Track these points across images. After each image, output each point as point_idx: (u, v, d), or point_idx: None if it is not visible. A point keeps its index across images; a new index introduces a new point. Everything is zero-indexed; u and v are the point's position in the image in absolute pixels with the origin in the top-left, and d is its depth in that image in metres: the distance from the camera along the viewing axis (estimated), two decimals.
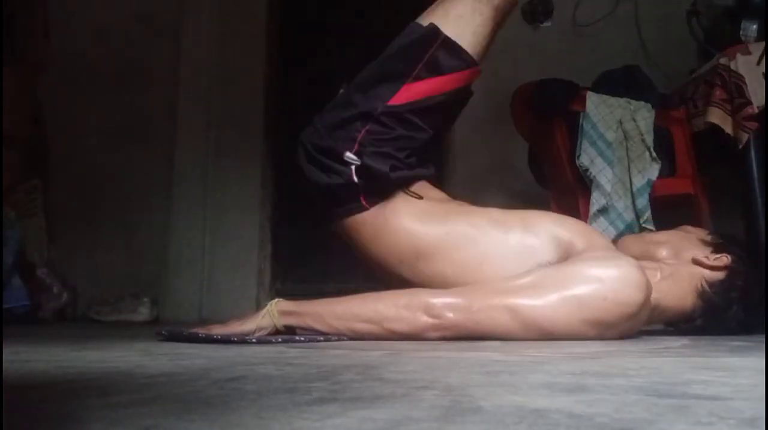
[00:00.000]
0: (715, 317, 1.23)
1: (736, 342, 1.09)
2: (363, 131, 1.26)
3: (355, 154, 1.25)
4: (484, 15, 1.35)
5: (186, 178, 2.99)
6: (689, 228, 1.33)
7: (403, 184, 1.29)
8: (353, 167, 1.25)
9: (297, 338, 1.12)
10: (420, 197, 1.29)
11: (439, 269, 1.22)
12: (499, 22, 1.39)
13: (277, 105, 3.18)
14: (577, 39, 2.96)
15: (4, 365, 0.68)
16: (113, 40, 3.15)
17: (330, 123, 1.30)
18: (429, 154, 1.39)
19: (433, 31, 1.31)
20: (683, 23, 2.39)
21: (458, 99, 1.37)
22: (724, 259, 1.22)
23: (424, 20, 1.35)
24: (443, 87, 1.31)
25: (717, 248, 1.24)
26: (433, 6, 1.39)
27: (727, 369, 0.68)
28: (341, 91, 1.38)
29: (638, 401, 0.44)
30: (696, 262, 1.23)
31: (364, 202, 1.28)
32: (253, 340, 1.08)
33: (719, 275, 1.22)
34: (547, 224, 1.26)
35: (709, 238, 1.27)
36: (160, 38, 3.14)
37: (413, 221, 1.27)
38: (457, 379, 0.59)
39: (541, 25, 3.02)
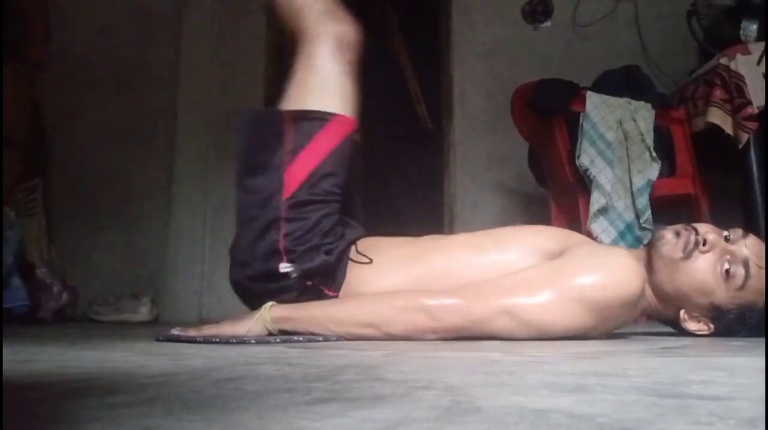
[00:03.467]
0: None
1: (736, 342, 1.09)
2: (281, 238, 1.21)
3: (288, 264, 1.20)
4: (337, 74, 1.28)
5: (186, 178, 2.99)
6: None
7: (345, 257, 1.27)
8: (295, 277, 1.21)
9: (296, 338, 1.11)
10: (370, 261, 1.26)
11: None
12: (356, 65, 1.32)
13: (277, 105, 3.18)
14: (577, 39, 2.96)
15: (4, 365, 0.68)
16: (113, 40, 3.16)
17: (245, 247, 1.25)
18: (350, 212, 1.35)
19: (275, 113, 1.27)
20: (683, 23, 2.39)
21: (346, 156, 1.29)
22: (706, 329, 1.18)
23: (286, 103, 1.29)
24: (322, 150, 1.25)
25: (714, 317, 1.17)
26: (289, 86, 1.31)
27: (727, 369, 0.68)
28: (237, 204, 1.30)
29: (638, 401, 0.44)
30: (682, 319, 1.19)
31: (330, 293, 1.25)
32: (252, 340, 1.07)
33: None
34: (523, 237, 1.26)
35: (727, 305, 1.15)
36: (160, 38, 3.14)
37: (383, 277, 1.24)
38: (457, 379, 0.59)
39: (541, 25, 3.03)
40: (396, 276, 1.24)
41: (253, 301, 1.24)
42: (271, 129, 1.26)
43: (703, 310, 1.17)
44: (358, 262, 1.27)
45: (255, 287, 1.22)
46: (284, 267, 1.20)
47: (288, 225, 1.22)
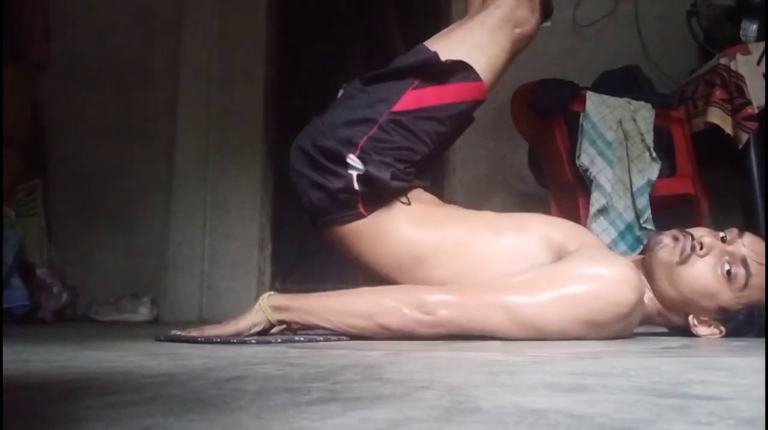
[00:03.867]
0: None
1: (736, 342, 1.09)
2: (365, 137, 1.25)
3: (357, 158, 1.23)
4: (501, 46, 1.35)
5: (186, 178, 2.99)
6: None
7: (400, 195, 1.28)
8: (355, 174, 1.23)
9: (296, 338, 1.11)
10: (409, 203, 1.28)
11: (436, 275, 1.21)
12: (514, 55, 1.41)
13: (277, 105, 3.18)
14: (577, 39, 2.96)
15: (4, 365, 0.68)
16: (113, 40, 3.16)
17: (332, 123, 1.28)
18: (425, 169, 1.37)
19: (433, 60, 1.30)
20: (683, 23, 2.39)
21: (459, 116, 1.34)
22: (717, 332, 1.18)
23: (438, 43, 1.34)
24: (447, 96, 1.30)
25: (723, 320, 1.17)
26: (451, 28, 1.39)
27: (727, 369, 0.68)
28: (341, 91, 1.37)
29: (638, 401, 0.44)
30: (692, 324, 1.19)
31: (362, 210, 1.26)
32: (252, 340, 1.08)
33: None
34: (540, 226, 1.26)
35: (734, 307, 1.15)
36: (160, 38, 3.14)
37: (410, 228, 1.26)
38: (457, 379, 0.59)
39: (541, 25, 3.03)
40: (419, 231, 1.26)
41: (295, 174, 1.29)
42: (423, 56, 1.31)
43: (711, 313, 1.17)
44: (401, 201, 1.28)
45: (314, 157, 1.25)
46: (352, 159, 1.23)
47: (378, 131, 1.25)
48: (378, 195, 1.26)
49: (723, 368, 0.69)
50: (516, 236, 1.24)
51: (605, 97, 2.14)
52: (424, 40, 1.38)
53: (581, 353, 0.87)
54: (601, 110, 2.12)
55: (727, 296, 1.14)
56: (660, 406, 0.43)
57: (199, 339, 1.09)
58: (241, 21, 3.15)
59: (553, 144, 2.22)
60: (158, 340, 1.15)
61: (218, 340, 1.07)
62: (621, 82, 2.29)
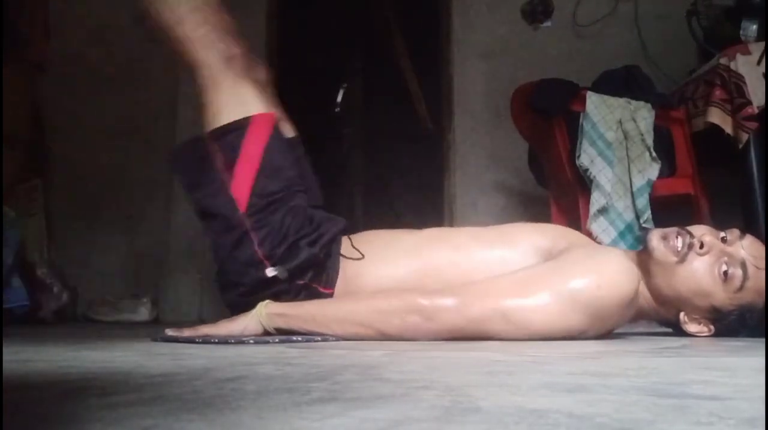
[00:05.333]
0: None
1: (736, 342, 1.09)
2: (257, 248, 1.22)
3: (274, 268, 1.21)
4: (237, 85, 1.32)
5: None
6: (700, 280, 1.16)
7: (333, 246, 1.27)
8: (285, 278, 1.21)
9: (295, 338, 1.11)
10: (362, 256, 1.26)
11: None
12: (251, 79, 1.37)
13: (277, 105, 3.18)
14: (577, 39, 2.96)
15: (4, 365, 0.68)
16: (113, 41, 3.16)
17: (232, 271, 1.25)
18: (317, 202, 1.36)
19: (195, 141, 1.30)
20: (683, 23, 2.39)
21: (280, 148, 1.32)
22: (706, 331, 1.18)
23: (208, 128, 1.32)
24: (254, 152, 1.26)
25: (714, 319, 1.18)
26: (204, 120, 1.34)
27: (727, 369, 0.68)
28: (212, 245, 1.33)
29: (638, 401, 0.44)
30: (683, 321, 1.19)
31: (324, 291, 1.25)
32: (251, 340, 1.07)
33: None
34: (526, 235, 1.27)
35: (726, 307, 1.15)
36: (160, 38, 3.13)
37: (384, 271, 1.24)
38: (457, 379, 0.59)
39: (541, 25, 3.03)
40: (396, 269, 1.24)
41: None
42: (199, 157, 1.29)
43: (703, 312, 1.17)
44: (350, 258, 1.27)
45: (250, 300, 1.21)
46: (270, 271, 1.21)
47: (258, 233, 1.23)
48: (321, 270, 1.24)
49: (723, 368, 0.69)
50: (504, 247, 1.25)
51: (605, 97, 2.14)
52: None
53: (581, 353, 0.87)
54: (601, 110, 2.12)
55: (721, 296, 1.15)
56: (660, 406, 0.43)
57: (196, 340, 1.09)
58: (241, 21, 3.14)
59: (553, 144, 2.22)
60: (155, 341, 1.15)
61: (216, 340, 1.07)
62: (621, 82, 2.29)
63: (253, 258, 1.22)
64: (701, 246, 1.15)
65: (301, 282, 1.23)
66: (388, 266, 1.25)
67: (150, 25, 1.38)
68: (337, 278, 1.26)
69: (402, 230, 1.36)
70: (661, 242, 1.17)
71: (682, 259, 1.15)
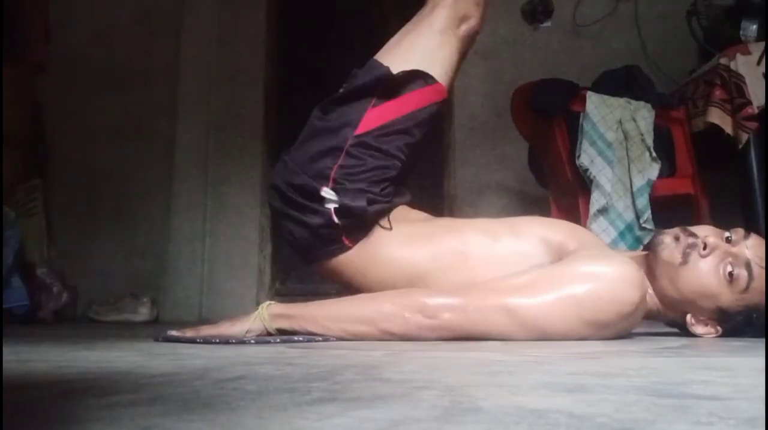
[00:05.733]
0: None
1: (736, 342, 1.09)
2: (335, 167, 1.24)
3: (331, 190, 1.22)
4: (450, 47, 1.34)
5: (186, 178, 2.99)
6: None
7: (381, 217, 1.27)
8: (332, 208, 1.22)
9: (296, 338, 1.11)
10: (390, 228, 1.27)
11: (435, 287, 1.21)
12: (464, 52, 1.39)
13: (277, 105, 3.18)
14: (577, 39, 2.96)
15: (4, 365, 0.68)
16: (113, 40, 3.16)
17: (300, 159, 1.27)
18: (404, 182, 1.37)
19: (386, 75, 1.30)
20: (683, 23, 2.39)
21: (424, 123, 1.33)
22: (713, 332, 1.18)
23: (389, 54, 1.33)
24: (407, 107, 1.29)
25: (720, 320, 1.17)
26: (400, 34, 1.37)
27: (727, 369, 0.68)
28: (311, 119, 1.35)
29: (638, 401, 0.44)
30: (690, 323, 1.19)
31: (347, 242, 1.25)
32: (252, 341, 1.07)
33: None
34: (536, 228, 1.26)
35: (733, 308, 1.14)
36: (160, 38, 3.14)
37: (400, 249, 1.25)
38: (457, 379, 0.59)
39: (541, 25, 3.02)
40: (413, 251, 1.25)
41: (275, 214, 1.31)
42: (375, 74, 1.30)
43: (710, 313, 1.17)
44: (382, 226, 1.27)
45: (289, 196, 1.25)
46: (326, 192, 1.23)
47: (347, 158, 1.25)
48: (359, 224, 1.25)
49: (723, 368, 0.69)
50: (513, 240, 1.24)
51: (605, 97, 2.14)
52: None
53: (581, 353, 0.87)
54: (601, 110, 2.12)
55: (727, 297, 1.14)
56: (660, 406, 0.43)
57: (197, 340, 1.09)
58: (241, 21, 3.15)
59: (553, 144, 2.21)
60: (156, 341, 1.15)
61: (217, 340, 1.07)
62: (621, 82, 2.29)
63: (325, 171, 1.24)
64: (705, 247, 1.14)
65: (337, 221, 1.23)
66: (406, 247, 1.26)
67: None
68: (363, 239, 1.26)
69: (422, 215, 1.38)
70: (673, 242, 1.17)
71: (686, 260, 1.14)
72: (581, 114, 2.12)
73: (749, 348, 0.96)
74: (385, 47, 1.37)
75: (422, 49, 1.33)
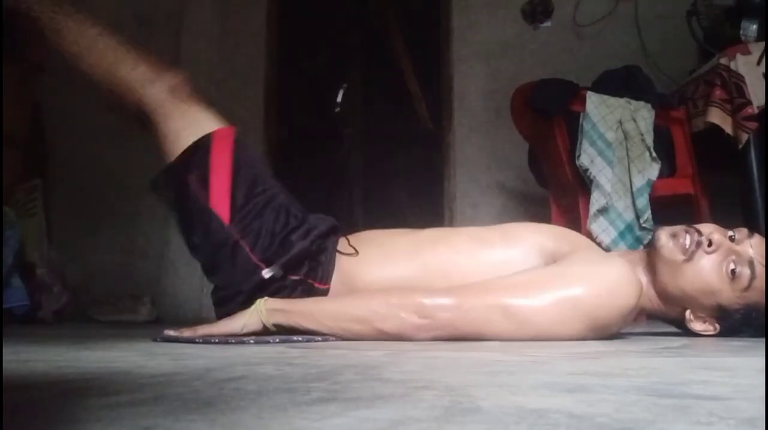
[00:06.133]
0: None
1: (736, 342, 1.09)
2: (251, 254, 1.23)
3: (269, 268, 1.21)
4: (185, 105, 1.35)
5: None
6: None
7: (330, 246, 1.27)
8: (281, 274, 1.21)
9: (295, 338, 1.11)
10: (356, 252, 1.26)
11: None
12: (186, 95, 1.40)
13: (277, 105, 3.18)
14: (577, 39, 2.96)
15: (4, 365, 0.68)
16: None
17: (230, 282, 1.25)
18: (307, 211, 1.37)
19: (166, 172, 1.32)
20: (683, 23, 2.39)
21: (250, 156, 1.35)
22: (712, 330, 1.18)
23: (168, 156, 1.35)
24: (225, 167, 1.28)
25: (719, 318, 1.17)
26: (166, 152, 1.36)
27: (727, 369, 0.68)
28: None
29: (638, 401, 0.44)
30: (688, 319, 1.19)
31: (319, 286, 1.25)
32: (251, 341, 1.07)
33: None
34: (528, 234, 1.26)
35: (733, 306, 1.15)
36: (160, 38, 3.14)
37: (380, 268, 1.24)
38: (457, 379, 0.59)
39: (541, 25, 3.03)
40: (394, 268, 1.24)
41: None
42: (174, 183, 1.31)
43: (709, 310, 1.17)
44: (344, 253, 1.27)
45: (248, 306, 1.21)
46: (267, 272, 1.22)
47: (248, 240, 1.24)
48: (315, 264, 1.25)
49: (723, 368, 0.69)
50: (505, 247, 1.24)
51: (605, 97, 2.14)
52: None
53: (581, 353, 0.87)
54: (601, 110, 2.12)
55: (727, 295, 1.15)
56: (660, 406, 0.43)
57: (197, 340, 1.09)
58: (241, 21, 3.15)
59: (553, 144, 2.22)
60: (155, 341, 1.15)
61: (216, 340, 1.07)
62: (621, 82, 2.29)
63: (249, 264, 1.23)
64: (710, 244, 1.15)
65: (297, 277, 1.23)
66: (386, 266, 1.25)
67: (88, 81, 1.45)
68: (332, 273, 1.26)
69: (401, 230, 1.36)
70: (671, 240, 1.17)
71: (690, 257, 1.15)
72: (581, 114, 2.12)
73: (749, 348, 0.96)
74: (165, 156, 1.37)
75: (177, 129, 1.33)
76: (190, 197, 1.28)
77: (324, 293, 1.25)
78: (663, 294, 1.19)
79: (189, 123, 1.34)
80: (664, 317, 1.24)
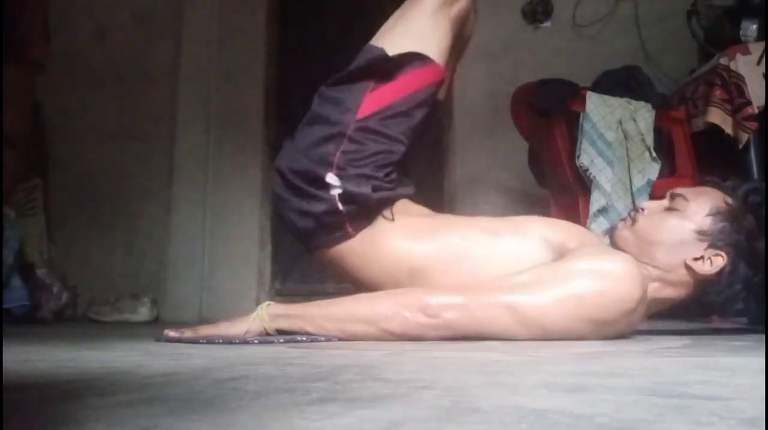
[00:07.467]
0: (719, 308, 1.22)
1: (736, 342, 1.09)
2: (338, 153, 1.24)
3: (335, 175, 1.22)
4: (444, 27, 1.34)
5: (186, 179, 2.99)
6: (684, 195, 1.20)
7: (385, 205, 1.27)
8: (336, 194, 1.22)
9: (298, 338, 1.11)
10: (392, 219, 1.27)
11: (434, 285, 1.20)
12: (459, 31, 1.40)
13: (277, 104, 3.18)
14: (577, 39, 2.96)
15: (4, 365, 0.68)
16: (113, 40, 3.16)
17: (303, 145, 1.28)
18: (407, 170, 1.37)
19: (382, 58, 1.30)
20: (683, 23, 2.39)
21: (424, 104, 1.33)
22: (720, 260, 1.14)
23: (384, 38, 1.34)
24: (405, 89, 1.29)
25: (713, 242, 1.14)
26: (393, 18, 1.37)
27: (727, 369, 0.68)
28: (313, 104, 1.35)
29: (638, 401, 0.44)
30: (688, 269, 1.15)
31: (350, 230, 1.25)
32: (255, 341, 1.07)
33: (716, 277, 1.15)
34: (538, 227, 1.26)
35: (706, 223, 1.15)
36: (160, 38, 3.14)
37: (402, 241, 1.25)
38: (457, 379, 0.59)
39: (541, 25, 3.03)
40: (413, 244, 1.25)
41: (277, 199, 1.30)
42: (370, 56, 1.31)
43: (696, 244, 1.15)
44: (384, 217, 1.27)
45: (292, 182, 1.25)
46: (331, 178, 1.23)
47: (349, 144, 1.25)
48: (362, 211, 1.25)
49: (723, 368, 0.69)
50: (514, 239, 1.24)
51: (605, 97, 2.14)
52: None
53: (581, 353, 0.87)
54: (601, 110, 2.12)
55: (688, 219, 1.16)
56: (660, 406, 0.43)
57: (200, 340, 1.09)
58: (241, 21, 3.15)
59: (553, 144, 2.22)
60: (157, 341, 1.15)
61: (220, 340, 1.07)
62: (621, 82, 2.29)
63: (327, 156, 1.24)
64: (642, 209, 1.22)
65: (341, 207, 1.23)
66: (409, 240, 1.25)
67: None
68: (367, 227, 1.26)
69: (424, 209, 1.38)
70: (614, 228, 1.24)
71: (632, 218, 1.21)
72: (581, 114, 2.12)
73: (749, 348, 0.96)
74: (380, 31, 1.37)
75: (416, 31, 1.33)
76: (363, 74, 1.30)
77: (349, 237, 1.25)
78: (658, 267, 1.17)
79: (428, 35, 1.33)
80: (677, 295, 1.19)
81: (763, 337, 1.11)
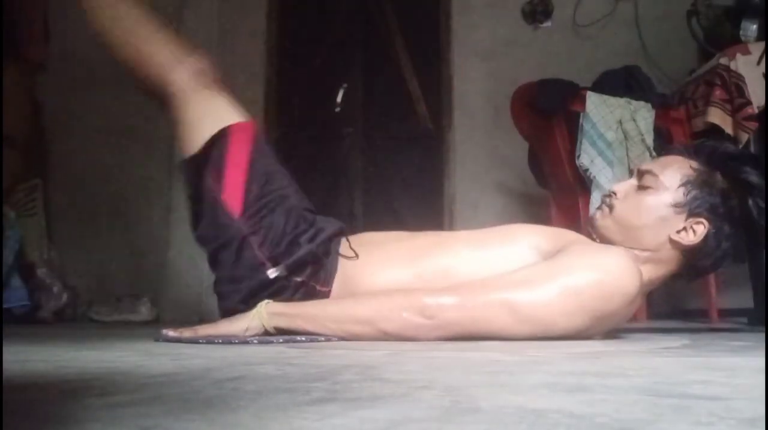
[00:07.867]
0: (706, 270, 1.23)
1: (736, 342, 1.09)
2: (257, 252, 1.23)
3: (275, 268, 1.22)
4: (209, 96, 1.34)
5: None
6: (661, 164, 1.21)
7: (332, 244, 1.27)
8: (285, 276, 1.22)
9: (298, 338, 1.11)
10: (356, 256, 1.27)
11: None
12: (219, 87, 1.38)
13: (277, 104, 3.18)
14: (577, 39, 2.96)
15: (4, 365, 0.68)
16: None
17: (230, 275, 1.25)
18: (313, 210, 1.37)
19: (196, 161, 1.29)
20: (683, 23, 2.40)
21: (262, 151, 1.33)
22: (701, 227, 1.14)
23: (184, 149, 1.33)
24: (240, 162, 1.27)
25: (691, 211, 1.15)
26: (180, 135, 1.35)
27: (727, 369, 0.68)
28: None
29: (638, 401, 0.44)
30: (674, 243, 1.16)
31: (321, 289, 1.25)
32: (255, 340, 1.07)
33: (703, 243, 1.16)
34: (525, 234, 1.26)
35: (680, 194, 1.16)
36: None
37: (380, 273, 1.24)
38: (457, 379, 0.59)
39: (541, 25, 3.03)
40: (397, 271, 1.24)
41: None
42: (190, 173, 1.31)
43: (676, 217, 1.16)
44: (345, 256, 1.27)
45: (249, 305, 1.21)
46: (272, 272, 1.22)
47: (257, 237, 1.24)
48: (319, 268, 1.25)
49: (723, 368, 0.69)
50: (502, 249, 1.23)
51: (605, 97, 2.14)
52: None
53: (581, 353, 0.87)
54: (601, 110, 2.12)
55: (662, 195, 1.17)
56: (660, 406, 0.43)
57: (200, 340, 1.09)
58: (241, 21, 3.15)
59: (553, 144, 2.22)
60: (157, 341, 1.14)
61: (219, 340, 1.07)
62: (621, 82, 2.29)
63: (255, 262, 1.23)
64: (614, 194, 1.22)
65: (300, 279, 1.23)
66: (386, 270, 1.24)
67: (113, 56, 1.41)
68: (335, 276, 1.26)
69: (401, 233, 1.36)
70: (592, 223, 1.24)
71: (611, 208, 1.20)
72: (581, 114, 2.12)
73: (749, 348, 0.96)
74: (179, 147, 1.36)
75: (196, 117, 1.32)
76: (203, 189, 1.27)
77: (325, 295, 1.25)
78: (648, 249, 1.17)
79: (209, 112, 1.32)
80: (668, 270, 1.20)
81: (763, 337, 1.11)
